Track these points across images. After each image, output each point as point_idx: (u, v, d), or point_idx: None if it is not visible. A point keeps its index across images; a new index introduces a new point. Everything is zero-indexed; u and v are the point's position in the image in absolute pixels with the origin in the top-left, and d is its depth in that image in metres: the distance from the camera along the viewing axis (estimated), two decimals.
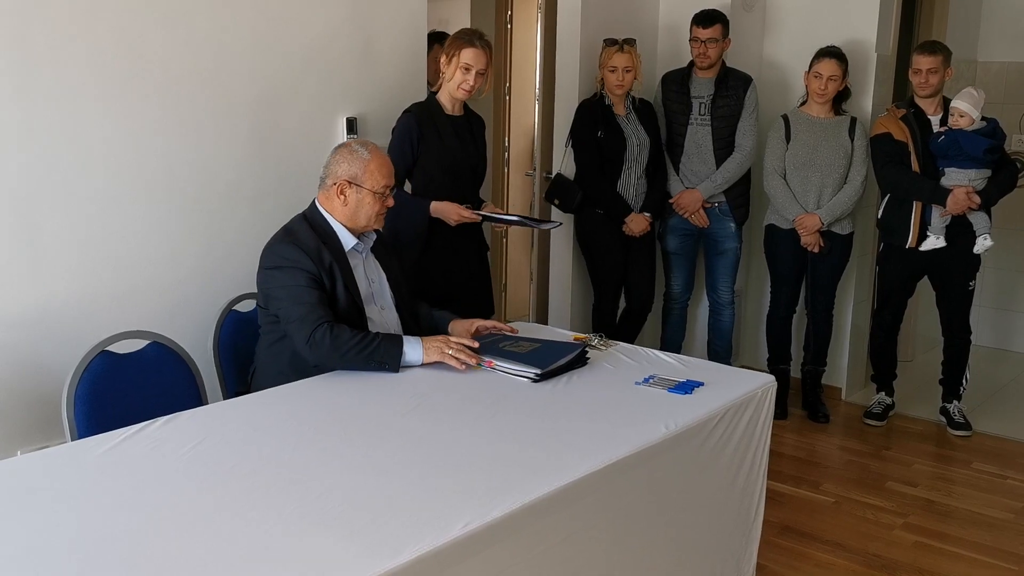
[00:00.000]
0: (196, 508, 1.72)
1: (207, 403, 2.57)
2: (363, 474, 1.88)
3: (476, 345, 2.58)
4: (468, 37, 3.26)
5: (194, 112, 2.97)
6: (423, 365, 2.53)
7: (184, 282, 3.02)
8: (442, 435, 2.11)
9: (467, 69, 3.23)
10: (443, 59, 3.28)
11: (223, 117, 3.05)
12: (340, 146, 2.69)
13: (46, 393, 2.65)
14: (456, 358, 2.50)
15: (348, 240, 2.65)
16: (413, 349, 2.51)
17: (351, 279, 2.64)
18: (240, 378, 2.81)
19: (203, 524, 1.66)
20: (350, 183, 2.59)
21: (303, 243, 2.57)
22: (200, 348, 2.80)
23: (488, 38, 3.32)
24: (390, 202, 2.66)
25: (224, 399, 2.69)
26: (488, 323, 2.81)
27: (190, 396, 2.57)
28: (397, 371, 2.49)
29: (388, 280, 2.77)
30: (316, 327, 2.46)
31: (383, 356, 2.47)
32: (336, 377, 2.47)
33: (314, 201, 2.68)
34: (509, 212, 3.26)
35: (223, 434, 2.08)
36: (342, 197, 2.60)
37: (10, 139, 2.57)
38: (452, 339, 2.57)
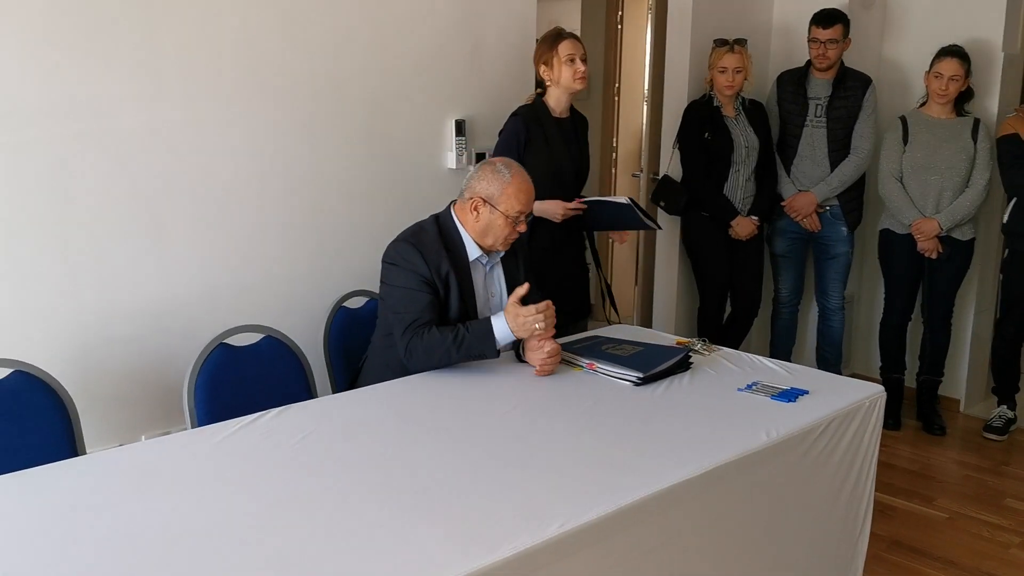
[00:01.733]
0: (303, 496, 1.80)
1: (317, 396, 2.66)
2: (462, 470, 1.93)
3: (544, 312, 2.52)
4: (555, 35, 3.29)
5: (310, 115, 3.09)
6: (521, 360, 2.57)
7: (298, 279, 3.14)
8: (541, 435, 2.14)
9: (572, 60, 3.24)
10: (543, 68, 3.30)
11: (337, 119, 3.16)
12: (486, 162, 2.67)
13: (169, 382, 2.81)
14: (534, 328, 2.48)
15: (474, 251, 2.66)
16: (501, 326, 2.50)
17: (469, 290, 2.65)
18: (349, 373, 2.90)
19: (309, 512, 1.73)
20: (485, 202, 2.59)
21: (425, 246, 2.60)
22: (311, 343, 2.90)
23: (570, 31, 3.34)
24: (522, 228, 2.64)
25: (333, 393, 2.79)
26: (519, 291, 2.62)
27: (301, 389, 2.67)
28: (497, 355, 2.52)
29: (508, 294, 2.74)
30: (412, 338, 2.51)
31: (476, 345, 2.50)
32: (440, 376, 2.53)
33: (450, 205, 2.71)
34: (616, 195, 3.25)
35: (330, 427, 2.16)
36: (475, 213, 2.61)
37: (139, 142, 2.73)
38: (521, 310, 2.49)
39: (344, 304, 3.03)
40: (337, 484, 1.85)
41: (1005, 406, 4.29)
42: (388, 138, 3.31)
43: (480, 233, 2.64)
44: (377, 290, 2.74)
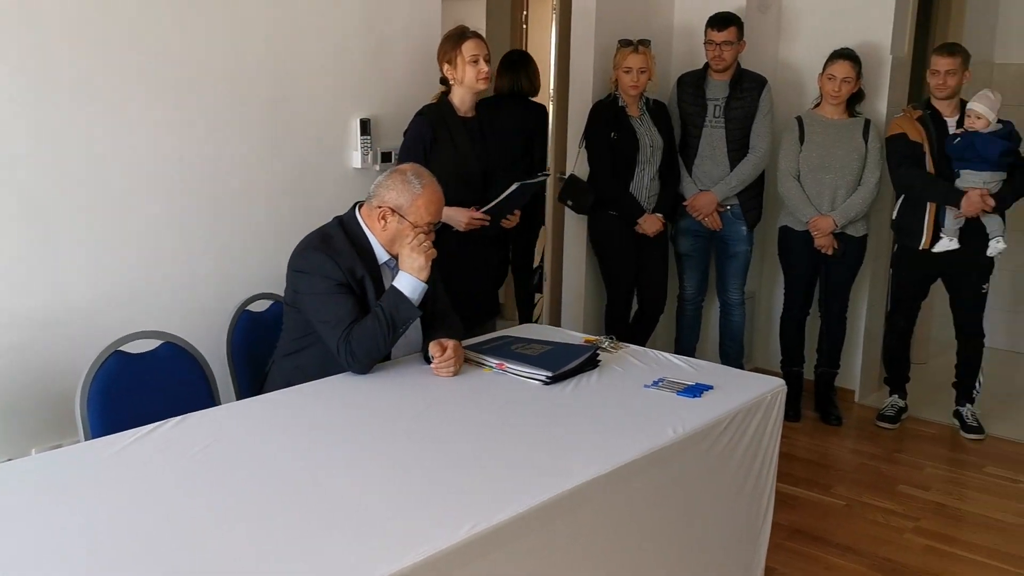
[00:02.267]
0: (206, 509, 1.74)
1: (220, 404, 2.59)
2: (372, 476, 1.90)
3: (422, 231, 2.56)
4: (459, 33, 3.29)
5: (209, 112, 3.00)
6: (428, 362, 2.54)
7: (198, 282, 3.05)
8: (451, 437, 2.13)
9: (475, 60, 3.24)
10: (446, 67, 3.29)
11: (237, 117, 3.08)
12: (396, 170, 2.63)
13: (60, 392, 2.68)
14: (424, 247, 2.54)
15: (382, 254, 2.63)
16: (407, 283, 2.51)
17: (382, 293, 2.61)
18: (254, 379, 2.83)
19: (213, 525, 1.68)
20: (394, 212, 2.56)
21: (336, 252, 2.55)
22: (214, 348, 2.82)
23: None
24: (431, 238, 2.61)
25: (237, 400, 2.72)
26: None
27: (203, 397, 2.59)
28: (420, 312, 2.54)
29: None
30: (347, 343, 2.47)
31: (397, 312, 2.48)
32: (347, 380, 2.49)
33: (355, 207, 2.66)
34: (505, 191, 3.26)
35: (234, 435, 2.10)
36: (383, 222, 2.58)
37: (23, 138, 2.61)
38: (405, 242, 2.54)
39: (248, 308, 2.95)
40: (240, 495, 1.80)
41: (896, 395, 4.47)
42: (291, 137, 3.24)
43: (388, 242, 2.61)
44: (282, 293, 2.68)
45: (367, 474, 1.91)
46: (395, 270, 2.67)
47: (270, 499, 1.78)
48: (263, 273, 3.09)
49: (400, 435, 2.13)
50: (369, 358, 2.50)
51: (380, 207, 2.57)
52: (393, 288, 2.52)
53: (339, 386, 2.45)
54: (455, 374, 2.54)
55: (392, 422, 2.21)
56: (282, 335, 2.70)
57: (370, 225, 2.61)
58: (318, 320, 2.53)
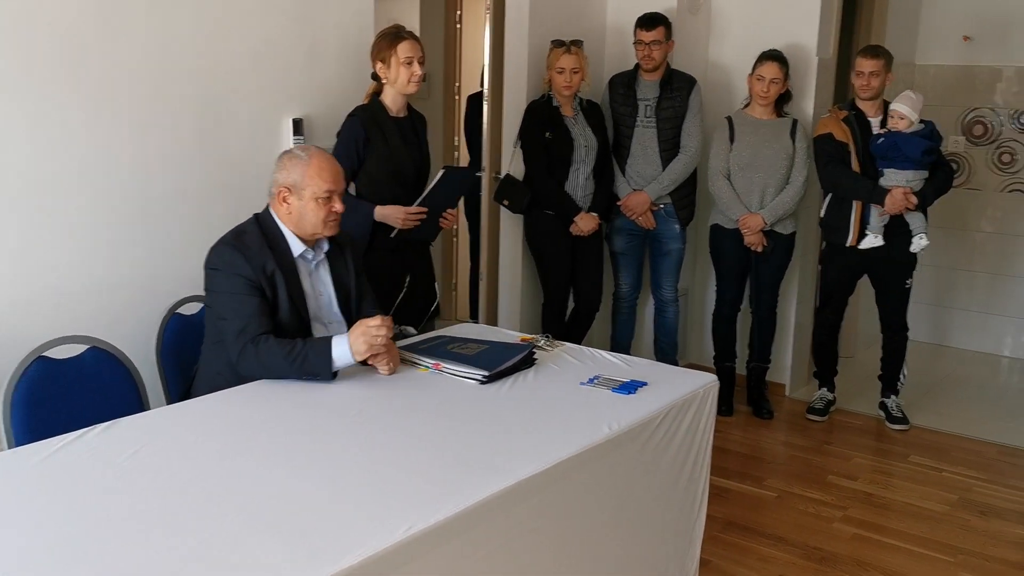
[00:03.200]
0: (136, 516, 1.71)
1: (150, 409, 2.54)
2: (306, 480, 1.88)
3: (388, 325, 2.48)
4: (395, 33, 3.27)
5: (135, 111, 2.93)
6: (365, 363, 2.50)
7: (125, 285, 2.98)
8: (386, 439, 2.12)
9: (409, 62, 3.23)
10: (379, 66, 3.28)
11: (166, 117, 3.01)
12: (283, 153, 2.64)
13: None
14: (386, 348, 2.46)
15: (297, 247, 2.60)
16: (341, 351, 2.43)
17: (297, 289, 2.58)
18: (185, 383, 2.78)
19: (142, 532, 1.64)
20: (291, 190, 2.55)
21: (247, 248, 2.52)
22: (142, 353, 2.76)
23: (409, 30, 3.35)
24: (338, 206, 2.58)
25: (168, 404, 2.66)
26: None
27: (132, 402, 2.54)
28: (331, 380, 2.44)
29: (336, 292, 2.71)
30: (245, 345, 2.42)
31: (312, 367, 2.42)
32: (280, 383, 2.45)
33: (268, 203, 2.64)
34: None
35: (163, 441, 2.06)
36: (285, 205, 2.57)
37: None
38: (369, 323, 2.44)
39: (178, 311, 2.90)
40: (171, 501, 1.77)
41: (825, 389, 4.58)
42: (222, 137, 3.18)
43: (296, 224, 2.58)
44: None
45: (300, 477, 1.89)
46: (312, 262, 2.65)
47: (201, 504, 1.75)
48: (194, 275, 3.01)
49: (334, 437, 2.11)
50: (257, 375, 2.45)
51: (278, 191, 2.56)
52: (327, 342, 2.44)
53: (271, 389, 2.42)
54: (392, 371, 2.52)
55: (325, 424, 2.19)
56: (205, 337, 2.66)
57: (278, 215, 2.60)
58: (221, 316, 2.50)
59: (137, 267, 3.00)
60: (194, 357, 2.76)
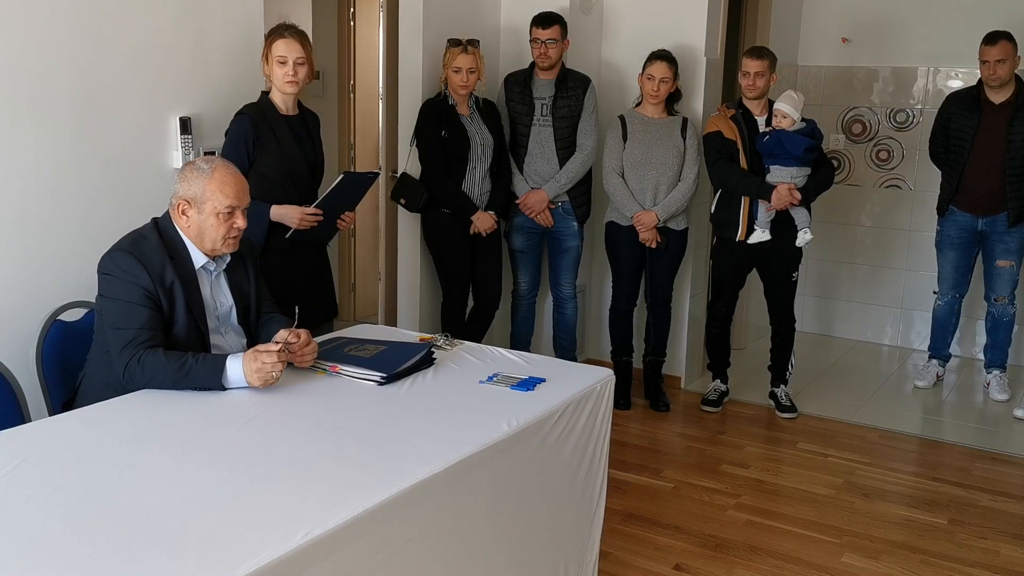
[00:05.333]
0: (17, 532, 1.63)
1: (30, 420, 2.43)
2: (196, 489, 1.83)
3: (284, 346, 2.44)
4: (276, 30, 3.23)
5: (10, 111, 2.80)
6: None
7: (3, 291, 2.84)
8: (282, 444, 2.08)
9: (283, 62, 3.19)
10: (262, 61, 3.23)
11: (42, 117, 2.88)
12: (187, 163, 2.55)
13: None
14: (273, 376, 2.37)
15: (199, 258, 2.52)
16: (236, 375, 2.35)
17: (196, 301, 2.51)
18: (67, 393, 2.67)
19: (23, 548, 1.57)
20: (190, 203, 2.46)
21: (146, 255, 2.43)
22: (22, 361, 2.65)
23: (301, 27, 3.29)
24: (240, 223, 2.50)
25: (50, 415, 2.55)
26: (284, 335, 2.55)
27: (10, 413, 2.42)
28: (223, 390, 2.37)
29: (236, 302, 2.64)
30: (131, 358, 2.34)
31: (204, 378, 2.35)
32: (168, 390, 2.38)
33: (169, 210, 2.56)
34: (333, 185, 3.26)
35: (46, 453, 1.98)
36: (184, 218, 2.48)
37: None
38: (264, 357, 2.35)
39: (59, 317, 2.78)
40: (55, 516, 1.70)
41: (719, 380, 4.72)
42: (103, 137, 3.07)
43: (195, 238, 2.50)
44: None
45: (191, 488, 1.84)
46: (214, 274, 2.59)
47: (86, 519, 1.69)
48: (77, 280, 2.91)
49: (226, 444, 2.06)
50: (143, 386, 2.37)
51: (178, 203, 2.48)
52: (221, 363, 2.36)
53: (157, 397, 2.34)
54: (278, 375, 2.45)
55: (217, 431, 2.14)
56: (93, 345, 2.56)
57: (178, 225, 2.52)
58: (110, 325, 2.41)
59: (15, 272, 2.86)
60: (78, 365, 2.66)
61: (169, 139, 3.26)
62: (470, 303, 4.45)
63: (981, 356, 5.11)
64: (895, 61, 5.66)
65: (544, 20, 4.28)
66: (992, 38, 4.50)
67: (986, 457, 4.14)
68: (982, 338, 5.07)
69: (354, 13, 5.55)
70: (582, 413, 2.53)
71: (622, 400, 4.57)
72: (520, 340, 4.63)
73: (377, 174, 3.78)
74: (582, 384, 2.57)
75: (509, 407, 2.35)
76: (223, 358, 2.38)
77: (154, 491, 1.81)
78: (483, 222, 4.22)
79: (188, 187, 2.47)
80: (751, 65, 4.25)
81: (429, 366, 2.66)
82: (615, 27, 4.86)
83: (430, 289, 4.50)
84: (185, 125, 3.28)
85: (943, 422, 4.70)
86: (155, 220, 2.55)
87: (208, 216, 2.47)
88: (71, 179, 2.99)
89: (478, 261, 4.34)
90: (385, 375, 2.50)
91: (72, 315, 2.81)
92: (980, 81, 4.64)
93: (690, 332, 4.93)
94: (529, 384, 2.52)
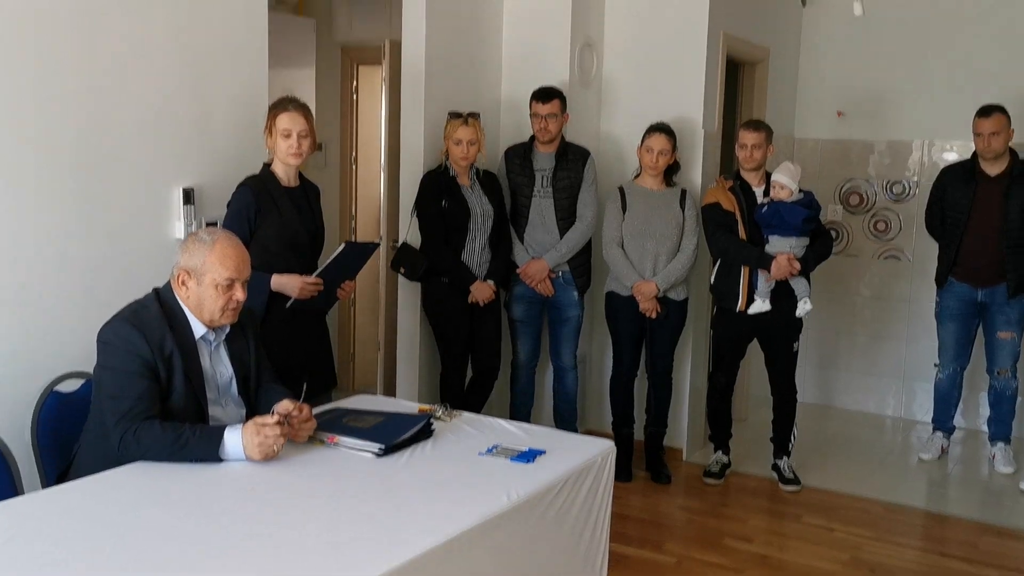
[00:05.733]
0: None
1: (23, 493, 2.39)
2: (190, 564, 1.80)
3: (281, 421, 2.41)
4: (280, 103, 3.28)
5: (13, 177, 2.81)
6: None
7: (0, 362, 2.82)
8: (279, 517, 2.05)
9: (287, 135, 3.23)
10: (266, 135, 3.28)
11: (46, 186, 2.90)
12: (191, 233, 2.57)
13: None
14: (273, 450, 2.36)
15: (199, 328, 2.52)
16: (234, 448, 2.33)
17: (196, 371, 2.50)
18: (62, 465, 2.63)
19: None
20: (190, 273, 2.47)
21: (146, 325, 2.43)
22: (16, 432, 2.62)
23: (305, 99, 3.34)
24: (239, 295, 2.50)
25: (44, 487, 2.52)
26: (287, 407, 2.53)
27: (3, 485, 2.39)
28: (219, 462, 2.34)
29: (236, 372, 2.63)
30: (127, 430, 2.32)
31: (200, 451, 2.33)
32: (161, 463, 2.34)
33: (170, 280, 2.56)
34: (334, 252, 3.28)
35: (38, 527, 1.95)
36: (184, 288, 2.49)
37: None
38: (267, 430, 2.35)
39: (56, 388, 2.76)
40: None
41: (720, 452, 4.67)
42: (106, 207, 3.08)
43: (195, 308, 2.50)
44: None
45: (186, 561, 1.80)
46: (214, 344, 2.58)
47: None
48: (75, 350, 2.90)
49: (221, 519, 2.03)
50: (139, 459, 2.34)
51: (178, 273, 2.49)
52: (219, 435, 2.35)
53: (152, 469, 2.31)
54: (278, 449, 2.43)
55: (213, 504, 2.11)
56: (89, 416, 2.54)
57: (178, 295, 2.52)
58: (107, 395, 2.39)
59: (13, 341, 2.85)
60: (73, 437, 2.63)
61: (172, 210, 3.28)
62: (469, 373, 4.43)
63: (985, 427, 5.06)
64: (890, 134, 5.74)
65: (544, 95, 4.35)
66: (986, 111, 4.57)
67: (992, 531, 4.07)
68: (985, 410, 5.03)
69: (357, 86, 5.65)
70: (583, 485, 2.50)
71: (623, 472, 4.50)
72: (520, 411, 4.60)
73: (377, 244, 3.81)
74: (583, 456, 2.54)
75: (509, 479, 2.32)
76: (220, 430, 2.36)
77: (146, 566, 1.78)
78: (481, 292, 4.22)
79: (189, 258, 2.48)
80: (748, 137, 4.31)
81: (428, 437, 2.64)
82: (614, 100, 4.93)
83: (429, 359, 4.49)
84: (188, 196, 3.30)
85: (949, 495, 4.63)
86: (156, 290, 2.55)
87: (207, 287, 2.47)
88: (73, 249, 3.00)
89: (477, 330, 4.34)
90: (383, 446, 2.47)
91: (69, 386, 2.79)
92: (975, 154, 4.69)
93: (691, 403, 4.90)
94: (529, 456, 2.50)
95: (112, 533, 1.93)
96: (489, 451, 2.54)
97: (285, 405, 2.50)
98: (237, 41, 3.47)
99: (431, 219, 4.19)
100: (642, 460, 4.68)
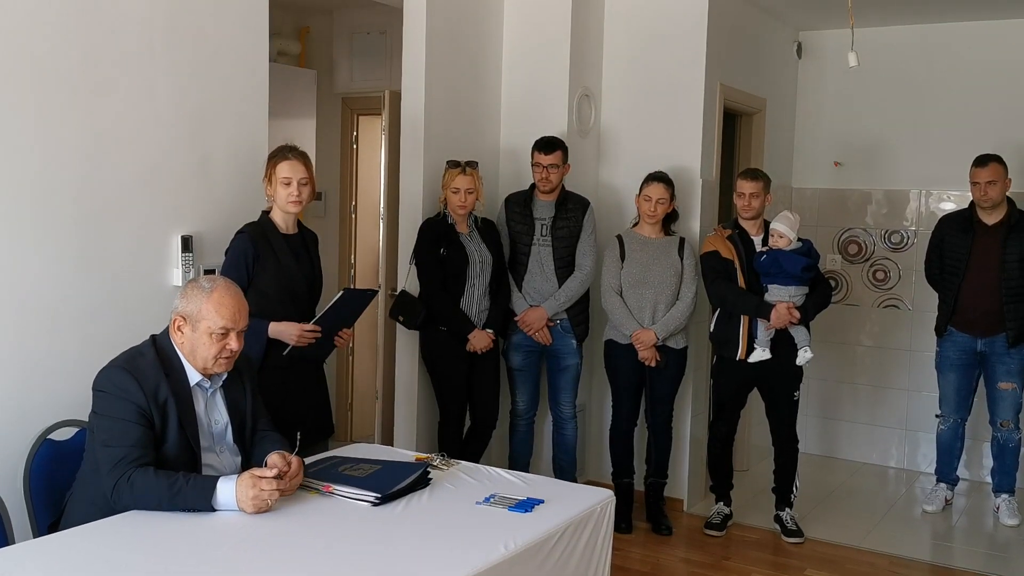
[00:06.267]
0: None
1: (15, 542, 2.35)
2: None
3: (279, 475, 2.39)
4: (280, 152, 3.29)
5: (11, 224, 2.81)
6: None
7: None
8: (273, 566, 2.01)
9: (287, 183, 3.24)
10: (265, 183, 3.30)
11: (45, 232, 2.90)
12: (190, 280, 2.58)
13: None
14: (267, 504, 2.32)
15: (194, 375, 2.51)
16: (227, 499, 2.30)
17: (190, 419, 2.48)
18: (55, 513, 2.59)
19: None
20: (186, 319, 2.46)
21: (141, 372, 2.42)
22: (8, 481, 2.58)
23: (305, 148, 3.37)
24: (233, 345, 2.48)
25: (35, 537, 2.48)
26: (276, 461, 2.47)
27: None
28: (211, 512, 2.31)
29: (232, 420, 2.61)
30: (120, 477, 2.29)
31: (192, 500, 2.30)
32: (153, 513, 2.30)
33: (168, 327, 2.55)
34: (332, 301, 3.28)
35: None
36: (179, 334, 2.48)
37: None
38: (263, 483, 2.32)
39: (50, 436, 2.73)
40: None
41: (722, 503, 4.61)
42: (104, 254, 3.08)
43: (189, 355, 2.49)
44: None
45: None
46: (209, 391, 2.56)
47: None
48: (69, 399, 2.87)
49: (214, 568, 1.99)
50: (132, 507, 2.31)
51: (174, 319, 2.48)
52: (214, 481, 2.33)
53: (144, 520, 2.27)
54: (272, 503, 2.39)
55: (205, 553, 2.07)
56: (83, 464, 2.50)
57: (175, 341, 2.51)
58: (102, 442, 2.36)
59: (7, 388, 2.83)
60: (66, 486, 2.59)
61: (170, 257, 3.28)
62: (467, 422, 4.39)
63: (989, 478, 5.01)
64: (887, 184, 5.77)
65: (546, 145, 4.37)
66: (982, 160, 4.59)
67: None
68: (989, 460, 4.98)
69: (357, 136, 5.70)
70: (582, 535, 2.46)
71: (623, 523, 4.45)
72: (518, 461, 4.55)
73: (376, 292, 3.80)
74: (582, 505, 2.51)
75: (507, 529, 2.29)
76: (213, 480, 2.34)
77: None
78: (479, 340, 4.20)
79: (186, 304, 2.48)
80: (746, 186, 4.32)
81: (425, 486, 2.60)
82: (612, 149, 4.97)
83: (427, 408, 4.45)
84: (187, 243, 3.31)
85: (954, 548, 4.57)
86: (153, 337, 2.54)
87: (201, 335, 2.45)
88: (71, 296, 2.99)
89: (475, 379, 4.31)
90: (380, 495, 2.44)
91: (63, 434, 2.76)
92: (972, 203, 4.71)
93: (692, 453, 4.85)
94: (527, 505, 2.46)
95: None
96: (487, 500, 2.50)
97: (275, 460, 2.46)
98: (238, 91, 3.50)
99: (430, 266, 4.19)
100: (643, 511, 4.62)
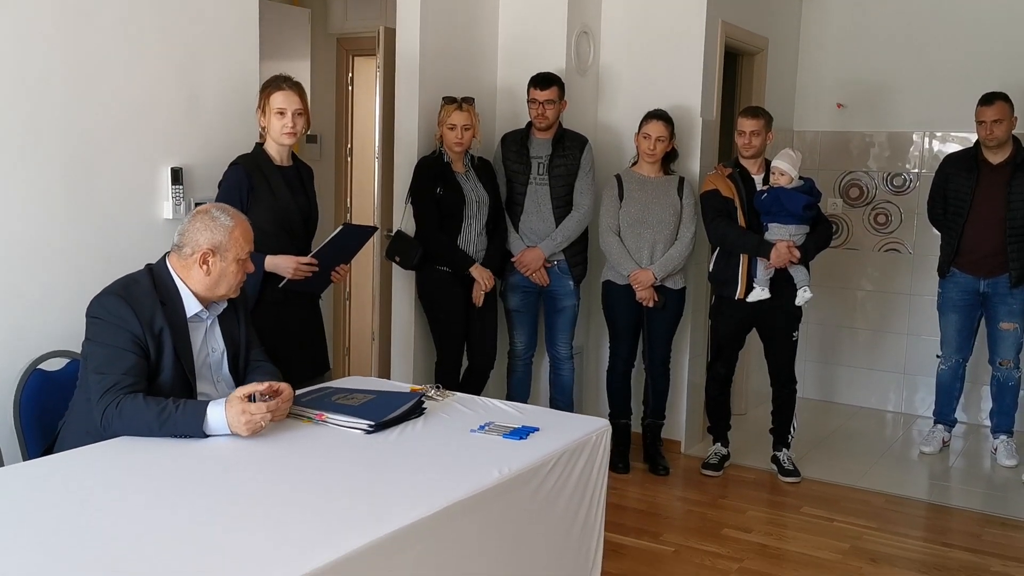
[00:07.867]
0: None
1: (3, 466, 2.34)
2: (170, 535, 1.75)
3: (269, 393, 2.36)
4: (273, 82, 3.23)
5: (1, 159, 2.76)
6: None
7: None
8: (263, 490, 2.00)
9: (281, 113, 3.18)
10: (259, 114, 3.23)
11: (31, 169, 2.84)
12: (198, 212, 2.51)
13: None
14: (260, 425, 2.30)
15: (192, 306, 2.48)
16: (217, 422, 2.27)
17: (185, 349, 2.45)
18: (46, 442, 2.58)
19: None
20: (214, 252, 2.45)
21: (137, 300, 2.38)
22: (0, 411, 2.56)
23: (298, 80, 3.30)
24: (250, 267, 2.56)
25: None
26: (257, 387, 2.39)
27: None
28: (203, 438, 2.28)
29: (227, 349, 2.59)
30: (110, 403, 2.27)
31: (183, 426, 2.27)
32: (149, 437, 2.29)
33: (165, 256, 2.51)
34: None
35: (15, 498, 1.89)
36: (204, 267, 2.45)
37: None
38: (252, 408, 2.29)
39: (40, 367, 2.71)
40: (27, 561, 1.61)
41: (719, 444, 4.60)
42: (93, 186, 3.03)
43: (210, 286, 2.48)
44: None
45: (168, 534, 1.75)
46: (208, 320, 2.54)
47: (54, 564, 1.60)
48: (60, 329, 2.84)
49: (203, 491, 1.98)
50: (125, 433, 2.29)
51: (195, 253, 2.45)
52: (204, 405, 2.30)
53: (136, 443, 2.25)
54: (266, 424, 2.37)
55: (194, 477, 2.05)
56: (76, 392, 2.48)
57: (184, 276, 2.47)
58: (94, 369, 2.33)
59: None
60: (57, 416, 2.58)
61: (160, 189, 3.23)
62: (465, 363, 4.37)
63: (987, 421, 5.00)
64: (890, 126, 5.68)
65: (542, 81, 4.29)
66: (988, 99, 4.51)
67: (995, 522, 4.01)
68: (988, 403, 4.97)
69: (352, 78, 5.61)
70: (577, 464, 2.44)
71: (620, 464, 4.45)
72: (515, 401, 4.52)
73: (375, 228, 3.76)
74: (577, 433, 2.49)
75: (501, 455, 2.26)
76: (204, 404, 2.31)
77: (126, 536, 1.73)
78: (482, 273, 4.14)
79: (211, 236, 2.45)
80: (747, 124, 4.25)
81: (419, 415, 2.58)
82: (611, 88, 4.88)
83: (424, 349, 4.43)
84: (176, 176, 3.25)
85: (950, 487, 4.57)
86: (149, 266, 2.51)
87: (230, 263, 2.48)
88: (59, 226, 2.94)
89: (473, 320, 4.27)
90: (373, 423, 2.42)
91: (54, 365, 2.74)
92: (977, 142, 4.64)
93: (690, 394, 4.84)
94: (522, 433, 2.44)
95: (89, 504, 1.87)
96: (481, 428, 2.48)
97: (254, 386, 2.37)
98: (227, 28, 3.43)
99: (426, 206, 4.13)
100: (640, 452, 4.62)
